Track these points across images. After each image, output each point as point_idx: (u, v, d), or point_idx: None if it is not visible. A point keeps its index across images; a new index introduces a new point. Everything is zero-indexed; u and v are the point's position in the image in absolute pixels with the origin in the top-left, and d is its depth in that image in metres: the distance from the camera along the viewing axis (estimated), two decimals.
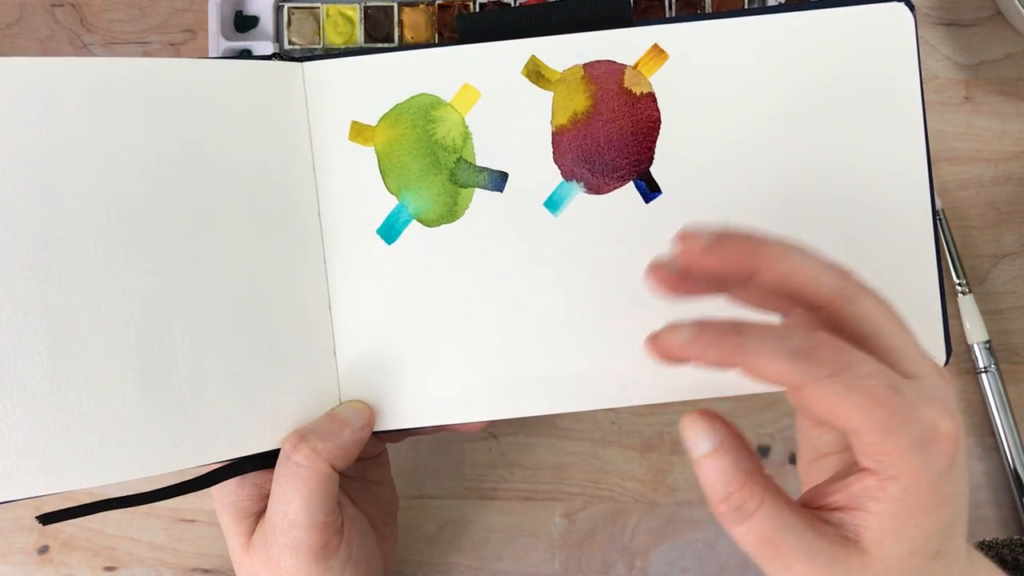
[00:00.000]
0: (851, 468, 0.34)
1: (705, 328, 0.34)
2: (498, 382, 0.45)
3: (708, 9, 0.59)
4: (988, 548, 0.52)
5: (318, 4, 0.59)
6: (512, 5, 0.58)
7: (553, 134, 0.45)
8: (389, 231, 0.45)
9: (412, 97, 0.45)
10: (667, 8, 0.58)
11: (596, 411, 0.58)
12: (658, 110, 0.45)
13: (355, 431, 0.43)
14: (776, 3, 0.58)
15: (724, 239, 0.36)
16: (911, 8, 0.44)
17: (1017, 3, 0.57)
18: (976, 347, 0.58)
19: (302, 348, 0.44)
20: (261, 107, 0.44)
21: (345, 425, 0.43)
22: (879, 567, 0.33)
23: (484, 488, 0.59)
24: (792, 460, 0.59)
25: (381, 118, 0.45)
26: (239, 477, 0.44)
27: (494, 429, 0.60)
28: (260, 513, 0.45)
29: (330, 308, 0.45)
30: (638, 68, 0.45)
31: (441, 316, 0.45)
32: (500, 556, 0.59)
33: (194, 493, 0.43)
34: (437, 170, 0.45)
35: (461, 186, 0.45)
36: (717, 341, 0.33)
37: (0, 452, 0.38)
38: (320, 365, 0.45)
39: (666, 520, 0.59)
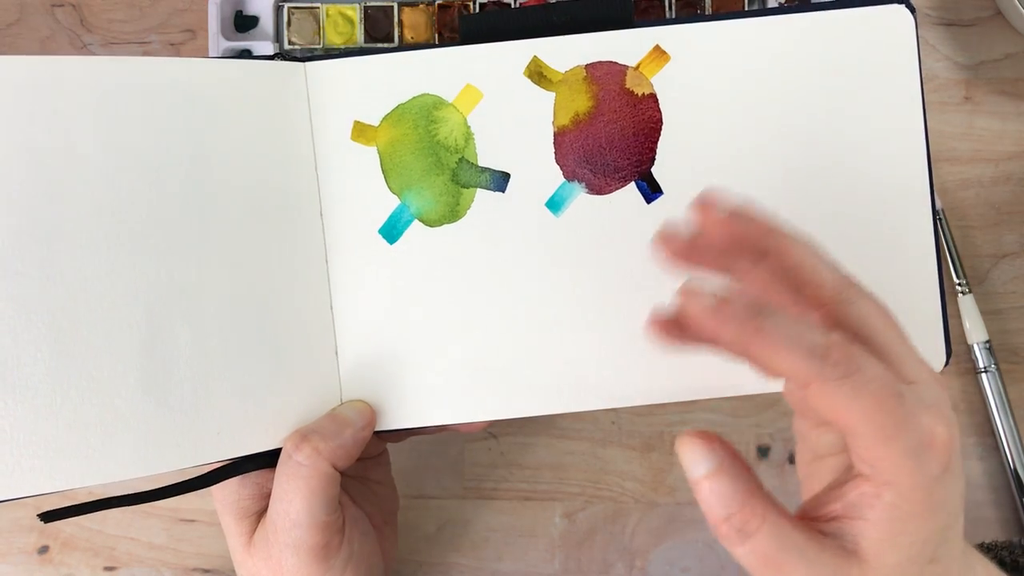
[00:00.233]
0: (848, 475, 0.34)
1: (727, 302, 0.33)
2: (499, 382, 0.45)
3: (708, 8, 0.59)
4: (987, 550, 0.52)
5: (318, 4, 0.59)
6: (512, 5, 0.58)
7: (555, 135, 0.45)
8: (391, 231, 0.45)
9: (414, 97, 0.45)
10: (667, 8, 0.58)
11: (596, 411, 0.58)
12: (660, 111, 0.45)
13: (356, 431, 0.43)
14: (777, 4, 0.58)
15: (744, 212, 0.36)
16: (912, 10, 0.44)
17: (1017, 3, 0.57)
18: (976, 347, 0.58)
19: (304, 348, 0.44)
20: (263, 107, 0.44)
21: (347, 425, 0.43)
22: None
23: (484, 488, 0.59)
24: (792, 460, 0.59)
25: (383, 118, 0.45)
26: (240, 476, 0.44)
27: (494, 429, 0.60)
28: (261, 512, 0.45)
29: (332, 308, 0.45)
30: (640, 69, 0.45)
31: (442, 316, 0.45)
32: (500, 556, 0.59)
33: (194, 493, 0.43)
34: (439, 170, 0.45)
35: (463, 186, 0.45)
36: (738, 318, 0.32)
37: (2, 450, 0.38)
38: (322, 364, 0.45)
39: (666, 520, 0.59)
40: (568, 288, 0.45)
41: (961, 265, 0.59)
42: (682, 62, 0.45)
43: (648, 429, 0.60)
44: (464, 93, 0.45)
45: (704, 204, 0.36)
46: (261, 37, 0.59)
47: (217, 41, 0.57)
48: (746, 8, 0.59)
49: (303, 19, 0.59)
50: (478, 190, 0.45)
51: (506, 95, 0.45)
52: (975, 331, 0.58)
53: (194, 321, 0.42)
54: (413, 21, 0.59)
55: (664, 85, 0.45)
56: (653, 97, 0.45)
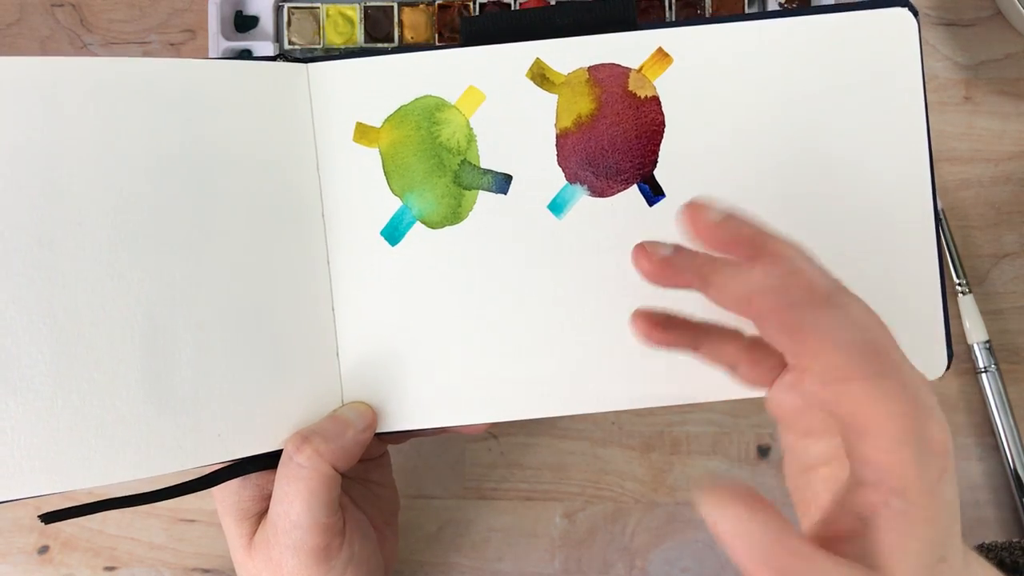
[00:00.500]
0: (850, 487, 0.34)
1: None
2: (501, 384, 0.45)
3: (708, 9, 0.59)
4: (988, 551, 0.52)
5: (318, 4, 0.59)
6: (512, 6, 0.58)
7: (557, 137, 0.45)
8: (393, 233, 0.45)
9: (417, 99, 0.45)
10: (667, 8, 0.58)
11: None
12: (662, 113, 0.45)
13: (357, 432, 0.43)
14: (777, 6, 0.58)
15: (735, 219, 0.36)
16: (914, 13, 0.44)
17: (1017, 3, 0.57)
18: (976, 347, 0.58)
19: (305, 349, 0.44)
20: (265, 108, 0.44)
21: (347, 426, 0.43)
22: None
23: (484, 488, 0.60)
24: None
25: (386, 120, 0.45)
26: (241, 478, 0.44)
27: (494, 429, 0.60)
28: (262, 514, 0.45)
29: (333, 309, 0.45)
30: (643, 71, 0.45)
31: (444, 318, 0.45)
32: (500, 556, 0.59)
33: (195, 493, 0.43)
34: (441, 172, 0.45)
35: (465, 188, 0.45)
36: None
37: (3, 451, 0.38)
38: (323, 366, 0.45)
39: (666, 520, 0.59)
40: (570, 290, 0.45)
41: (961, 265, 0.59)
42: (685, 64, 0.45)
43: (648, 429, 0.60)
44: (466, 95, 0.45)
45: (694, 208, 0.36)
46: (261, 37, 0.59)
47: (217, 41, 0.57)
48: (746, 8, 0.59)
49: (303, 19, 0.59)
50: (480, 192, 0.45)
51: (508, 97, 0.45)
52: (975, 331, 0.58)
53: (195, 323, 0.42)
54: (413, 21, 0.59)
55: (667, 87, 0.45)
56: (656, 99, 0.45)
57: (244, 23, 0.59)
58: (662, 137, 0.45)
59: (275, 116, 0.44)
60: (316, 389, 0.44)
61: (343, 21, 0.59)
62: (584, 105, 0.45)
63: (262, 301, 0.43)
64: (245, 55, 0.58)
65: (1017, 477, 0.57)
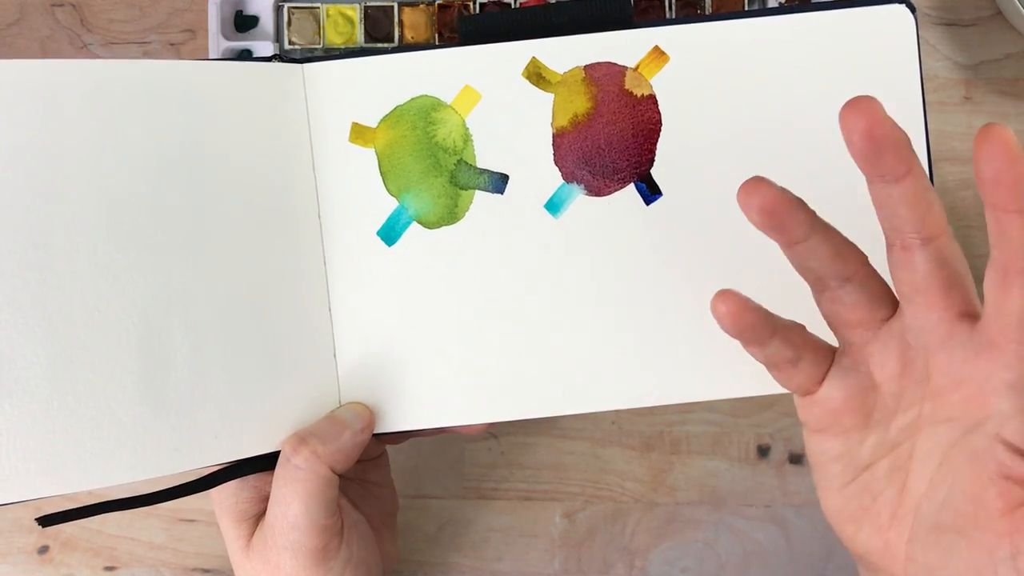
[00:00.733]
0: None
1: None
2: (499, 384, 0.45)
3: (708, 9, 0.59)
4: None
5: (318, 4, 0.59)
6: (512, 6, 0.58)
7: (554, 136, 0.45)
8: (389, 233, 0.45)
9: (412, 99, 0.45)
10: (667, 8, 0.58)
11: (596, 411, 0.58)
12: (659, 112, 0.45)
13: (355, 433, 0.43)
14: (777, 4, 0.58)
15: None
16: (912, 10, 0.44)
17: (1017, 3, 0.57)
18: None
19: (302, 350, 0.44)
20: (261, 108, 0.44)
21: (345, 427, 0.43)
22: None
23: (484, 488, 0.60)
24: (792, 460, 0.59)
25: (381, 120, 0.45)
26: (238, 479, 0.44)
27: (494, 429, 0.60)
28: (259, 515, 0.45)
29: (330, 310, 0.45)
30: (639, 70, 0.45)
31: (441, 318, 0.45)
32: (500, 556, 0.59)
33: (193, 495, 0.43)
34: (438, 172, 0.45)
35: (462, 188, 0.45)
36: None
37: None
38: (320, 367, 0.45)
39: (666, 520, 0.59)
40: (567, 290, 0.45)
41: None
42: (681, 63, 0.45)
43: (648, 429, 0.60)
44: (462, 94, 0.45)
45: (760, 183, 0.35)
46: (261, 37, 0.59)
47: (217, 41, 0.57)
48: (746, 8, 0.59)
49: (303, 19, 0.59)
50: (477, 192, 0.45)
51: (505, 96, 0.45)
52: None
53: (191, 324, 0.42)
54: (413, 21, 0.59)
55: (663, 86, 0.45)
56: (652, 98, 0.45)
57: (244, 23, 0.59)
58: (659, 136, 0.45)
59: (270, 116, 0.44)
60: (313, 390, 0.44)
61: (343, 21, 0.59)
62: (580, 104, 0.45)
63: (258, 302, 0.43)
64: (245, 55, 0.58)
65: None
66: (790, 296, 0.37)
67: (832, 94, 0.45)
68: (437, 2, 0.59)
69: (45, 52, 0.62)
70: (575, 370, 0.45)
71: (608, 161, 0.45)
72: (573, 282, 0.45)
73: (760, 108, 0.45)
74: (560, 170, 0.45)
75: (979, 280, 0.59)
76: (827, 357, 0.38)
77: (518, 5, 0.58)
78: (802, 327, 0.38)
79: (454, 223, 0.45)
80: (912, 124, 0.44)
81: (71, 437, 0.39)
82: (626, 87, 0.45)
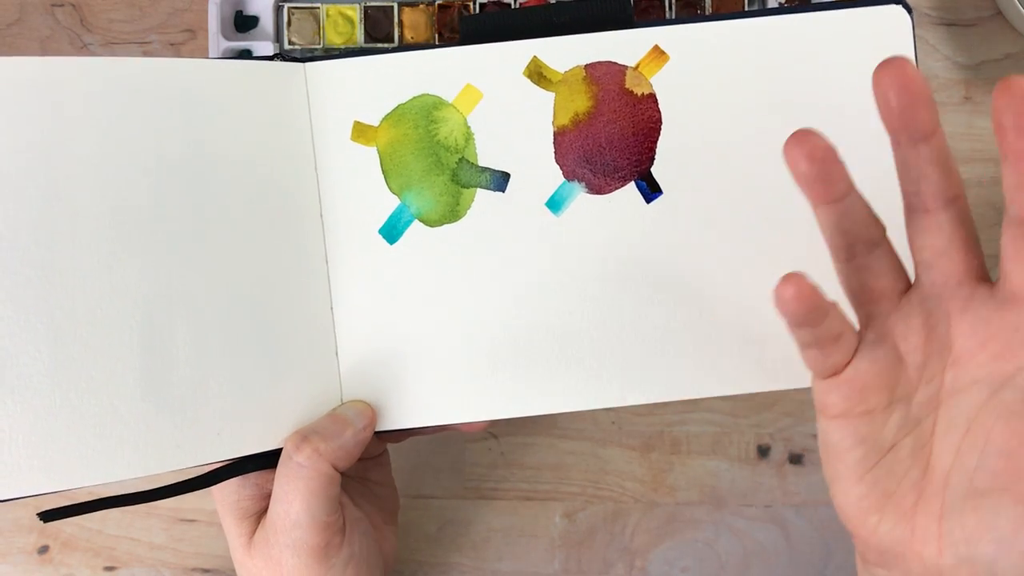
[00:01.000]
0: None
1: None
2: (499, 382, 0.45)
3: (708, 9, 0.59)
4: None
5: (318, 4, 0.59)
6: (512, 6, 0.58)
7: (555, 134, 0.45)
8: (391, 231, 0.45)
9: (414, 97, 0.45)
10: (667, 8, 0.58)
11: (596, 411, 0.58)
12: (659, 111, 0.45)
13: (357, 431, 0.44)
14: (776, 5, 0.58)
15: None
16: (908, 10, 0.45)
17: (1017, 3, 0.57)
18: None
19: (304, 348, 0.44)
20: (263, 107, 0.44)
21: (347, 425, 0.43)
22: None
23: (484, 488, 0.60)
24: (792, 460, 0.59)
25: (383, 118, 0.45)
26: (240, 477, 0.44)
27: (494, 429, 0.60)
28: (261, 513, 0.45)
29: (332, 308, 0.45)
30: (639, 69, 0.45)
31: (443, 316, 0.45)
32: (500, 556, 0.59)
33: (194, 493, 0.43)
34: (439, 170, 0.45)
35: (463, 186, 0.45)
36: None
37: (1, 450, 0.38)
38: (322, 365, 0.45)
39: (666, 520, 0.59)
40: (568, 287, 0.45)
41: None
42: (681, 62, 0.45)
43: (648, 429, 0.60)
44: (464, 93, 0.45)
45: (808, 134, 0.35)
46: (261, 37, 0.59)
47: (217, 41, 0.57)
48: (746, 7, 0.59)
49: (303, 19, 0.59)
50: (478, 190, 0.45)
51: (506, 95, 0.45)
52: None
53: (194, 321, 0.42)
54: (413, 21, 0.59)
55: (663, 85, 0.45)
56: (652, 97, 0.45)
57: (244, 23, 0.59)
58: (659, 134, 0.45)
59: (273, 115, 0.44)
60: (315, 388, 0.45)
61: (343, 21, 0.59)
62: (581, 103, 0.45)
63: (260, 300, 0.43)
64: (245, 55, 0.58)
65: None
66: None
67: (830, 93, 0.45)
68: (437, 2, 0.59)
69: (45, 52, 0.62)
70: (575, 367, 0.45)
71: (609, 159, 0.45)
72: (574, 279, 0.45)
73: (759, 107, 0.45)
74: (561, 168, 0.45)
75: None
76: (856, 334, 0.37)
77: (518, 5, 0.58)
78: (836, 304, 0.37)
79: (456, 221, 0.45)
80: None
81: (73, 433, 0.39)
82: (626, 86, 0.45)
